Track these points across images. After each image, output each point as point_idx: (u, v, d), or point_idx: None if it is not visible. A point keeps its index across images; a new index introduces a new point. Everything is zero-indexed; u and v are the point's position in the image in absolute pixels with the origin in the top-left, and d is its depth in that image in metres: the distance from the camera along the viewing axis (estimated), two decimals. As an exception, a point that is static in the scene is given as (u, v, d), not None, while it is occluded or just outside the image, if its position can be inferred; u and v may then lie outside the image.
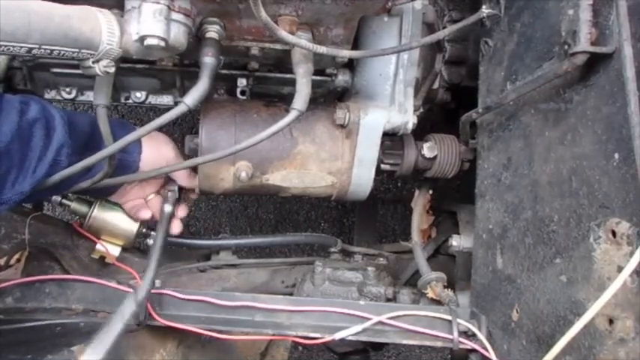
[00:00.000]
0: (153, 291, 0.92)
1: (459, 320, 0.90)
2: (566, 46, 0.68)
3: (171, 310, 0.94)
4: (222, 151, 0.83)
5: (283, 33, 0.72)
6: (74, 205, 1.03)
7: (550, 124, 0.76)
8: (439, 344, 0.91)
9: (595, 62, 0.66)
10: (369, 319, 0.92)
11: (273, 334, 0.93)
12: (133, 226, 1.04)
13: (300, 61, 0.82)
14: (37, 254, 1.04)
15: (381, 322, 0.92)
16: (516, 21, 0.85)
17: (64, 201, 1.02)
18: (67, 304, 0.95)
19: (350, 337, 0.91)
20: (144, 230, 1.07)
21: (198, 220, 1.93)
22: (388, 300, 1.06)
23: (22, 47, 0.61)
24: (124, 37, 0.71)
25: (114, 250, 1.07)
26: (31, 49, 0.62)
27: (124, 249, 1.08)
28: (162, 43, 0.72)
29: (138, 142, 0.91)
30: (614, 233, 0.62)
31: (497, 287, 0.89)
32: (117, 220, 1.04)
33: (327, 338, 0.90)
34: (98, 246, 1.06)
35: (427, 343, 0.91)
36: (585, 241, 0.67)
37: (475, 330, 0.90)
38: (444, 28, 1.05)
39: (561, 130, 0.73)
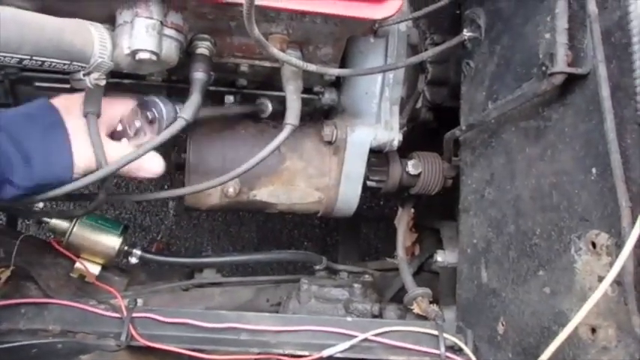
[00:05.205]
0: (135, 314, 0.90)
1: (445, 335, 0.91)
2: (544, 68, 0.72)
3: (154, 330, 0.91)
4: (228, 175, 0.81)
5: (274, 50, 0.74)
6: (53, 223, 1.00)
7: (530, 141, 0.79)
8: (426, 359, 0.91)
9: (571, 83, 0.69)
10: (355, 336, 0.92)
11: (259, 353, 0.92)
12: (114, 244, 1.02)
13: (289, 78, 0.83)
14: (12, 273, 1.00)
15: (367, 339, 0.92)
16: (496, 43, 0.89)
17: (44, 219, 0.99)
18: (43, 325, 0.92)
19: (337, 355, 0.91)
20: (125, 248, 1.05)
21: (180, 239, 1.89)
22: (374, 316, 1.06)
23: (13, 58, 0.61)
24: (115, 50, 0.72)
25: (94, 269, 1.04)
26: (22, 60, 0.62)
27: (105, 268, 1.05)
28: (154, 58, 0.72)
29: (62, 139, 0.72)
30: (594, 244, 0.65)
31: (483, 301, 0.90)
32: (98, 238, 1.01)
33: (315, 356, 0.90)
34: (77, 264, 1.02)
35: (414, 358, 0.91)
36: (567, 253, 0.70)
37: (462, 344, 0.91)
38: (425, 50, 1.09)
39: (541, 146, 0.77)
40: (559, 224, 0.72)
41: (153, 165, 0.80)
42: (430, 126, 1.22)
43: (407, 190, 1.13)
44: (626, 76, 0.60)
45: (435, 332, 0.92)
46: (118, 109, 0.81)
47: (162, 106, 0.79)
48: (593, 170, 0.65)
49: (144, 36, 0.71)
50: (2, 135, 0.68)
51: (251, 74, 0.94)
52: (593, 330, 0.65)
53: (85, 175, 0.74)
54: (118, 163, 0.73)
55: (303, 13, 0.78)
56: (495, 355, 0.85)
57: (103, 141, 0.75)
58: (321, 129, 0.99)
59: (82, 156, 0.73)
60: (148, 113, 0.80)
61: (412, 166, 1.08)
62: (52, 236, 1.04)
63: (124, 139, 0.81)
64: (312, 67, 0.79)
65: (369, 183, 1.07)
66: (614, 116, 0.60)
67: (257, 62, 0.90)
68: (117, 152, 0.76)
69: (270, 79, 0.97)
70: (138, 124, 0.81)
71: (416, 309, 1.02)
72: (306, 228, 1.94)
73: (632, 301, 0.57)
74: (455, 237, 1.05)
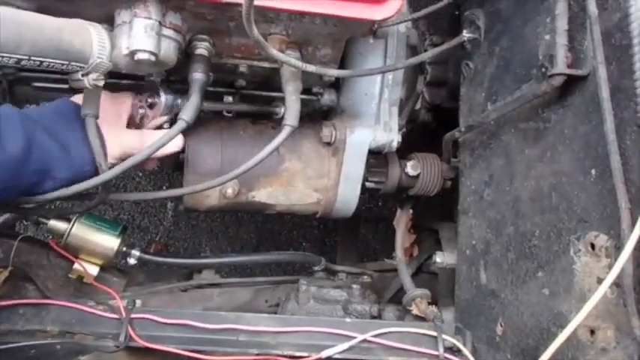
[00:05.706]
0: (133, 315, 0.90)
1: (444, 336, 0.91)
2: (543, 69, 0.72)
3: (152, 331, 0.91)
4: (227, 175, 0.81)
5: (274, 51, 0.74)
6: (51, 223, 0.99)
7: (530, 142, 0.79)
8: (425, 360, 0.91)
9: (571, 84, 0.69)
10: (354, 337, 0.92)
11: (258, 354, 0.92)
12: (112, 245, 1.01)
13: (289, 78, 0.83)
14: (10, 274, 1.00)
15: (366, 340, 0.92)
16: (496, 45, 0.89)
17: (40, 219, 0.99)
18: (41, 325, 0.92)
19: (336, 356, 0.90)
20: (124, 249, 1.05)
21: (178, 239, 1.89)
22: (373, 317, 1.06)
23: (11, 58, 0.60)
24: (114, 50, 0.72)
25: (92, 270, 1.03)
26: (21, 60, 0.61)
27: (103, 268, 1.05)
28: (153, 58, 0.72)
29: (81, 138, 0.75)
30: (593, 246, 0.65)
31: (482, 302, 0.90)
32: (96, 239, 1.01)
33: (313, 357, 0.89)
34: (76, 265, 1.02)
35: (413, 359, 0.91)
36: (566, 255, 0.70)
37: (460, 345, 0.91)
38: (425, 51, 1.09)
39: (541, 148, 0.77)
40: (558, 225, 0.72)
41: (176, 141, 0.83)
42: (429, 127, 1.22)
43: (406, 191, 1.13)
44: (626, 77, 0.59)
45: (434, 333, 0.92)
46: (129, 101, 0.89)
47: (161, 91, 0.90)
48: (593, 172, 0.65)
49: (142, 36, 0.71)
50: (39, 129, 0.71)
51: (250, 75, 0.94)
52: (592, 331, 0.65)
53: (116, 163, 0.78)
54: (151, 148, 0.76)
55: (303, 14, 0.78)
56: (494, 357, 0.85)
57: (138, 133, 0.84)
58: (320, 130, 0.99)
59: (112, 144, 0.79)
60: (149, 99, 0.90)
61: (411, 167, 1.08)
62: (51, 237, 1.03)
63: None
64: (311, 68, 0.79)
65: (367, 184, 1.07)
66: (613, 118, 0.60)
67: (256, 63, 0.90)
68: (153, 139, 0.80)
69: (269, 80, 0.97)
70: (142, 110, 0.91)
71: (415, 310, 1.02)
72: (304, 229, 1.93)
73: (632, 303, 0.57)
74: (454, 238, 1.05)
